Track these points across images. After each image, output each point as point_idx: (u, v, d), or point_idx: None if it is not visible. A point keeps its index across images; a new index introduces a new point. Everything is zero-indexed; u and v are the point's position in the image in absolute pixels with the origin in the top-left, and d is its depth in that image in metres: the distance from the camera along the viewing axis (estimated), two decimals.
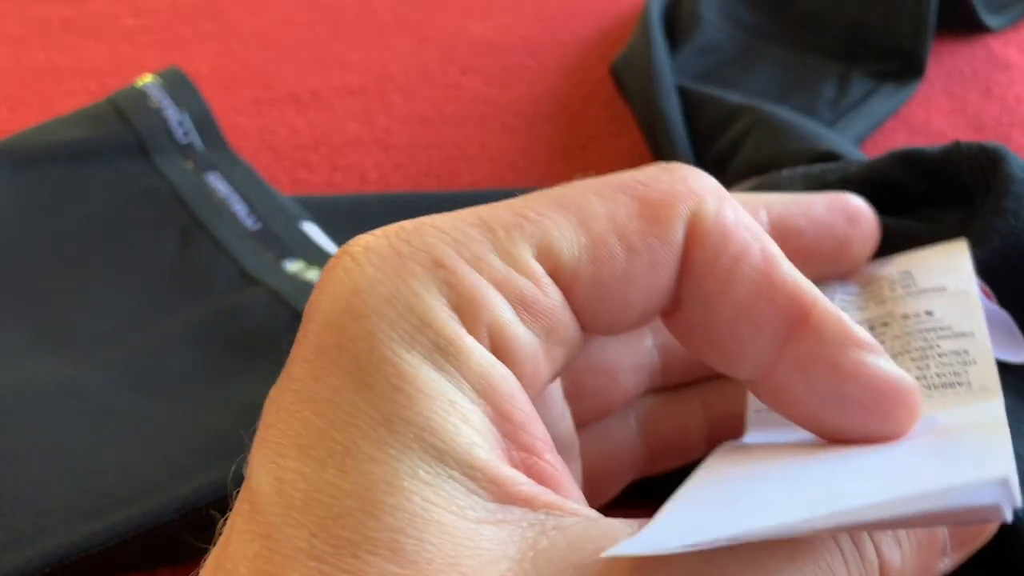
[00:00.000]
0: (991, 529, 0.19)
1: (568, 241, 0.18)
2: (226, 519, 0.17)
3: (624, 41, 0.52)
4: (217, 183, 0.40)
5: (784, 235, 0.23)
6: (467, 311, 0.17)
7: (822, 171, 0.29)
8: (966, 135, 0.44)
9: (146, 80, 0.42)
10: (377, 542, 0.15)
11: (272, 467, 0.16)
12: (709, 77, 0.47)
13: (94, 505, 0.28)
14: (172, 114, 0.41)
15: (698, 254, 0.19)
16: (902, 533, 0.17)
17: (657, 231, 0.19)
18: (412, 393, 0.16)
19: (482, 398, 0.17)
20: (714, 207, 0.19)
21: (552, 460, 0.18)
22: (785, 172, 0.30)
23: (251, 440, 0.17)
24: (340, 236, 0.38)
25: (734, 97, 0.43)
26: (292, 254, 0.37)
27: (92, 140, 0.40)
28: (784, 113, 0.40)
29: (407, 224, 0.18)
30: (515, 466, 0.17)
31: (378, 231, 0.18)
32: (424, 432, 0.16)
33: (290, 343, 0.18)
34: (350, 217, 0.40)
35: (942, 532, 0.18)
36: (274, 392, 0.18)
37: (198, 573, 0.17)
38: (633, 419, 0.26)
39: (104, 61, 0.56)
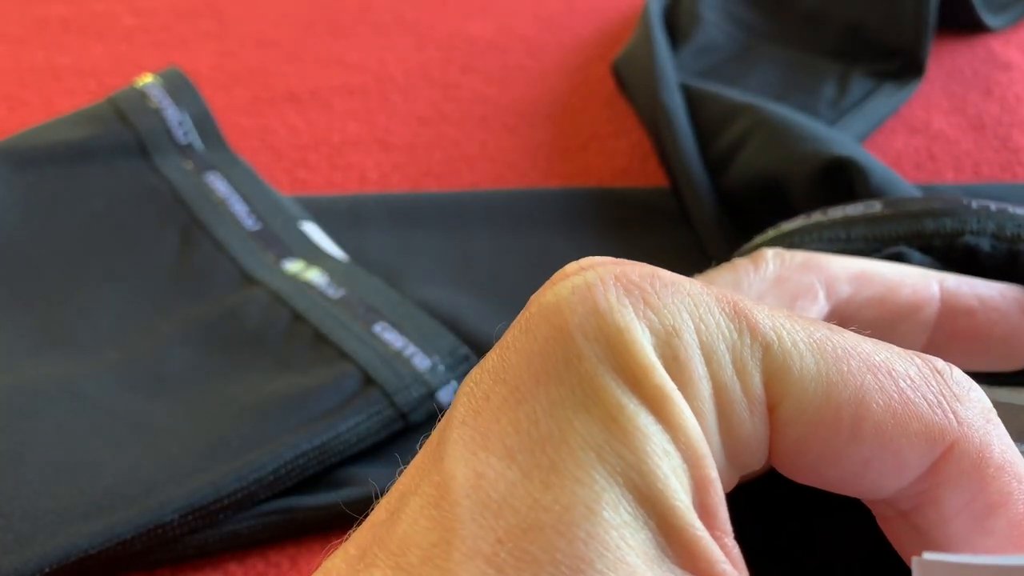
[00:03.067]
0: None
1: (807, 395, 0.18)
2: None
3: (624, 41, 0.52)
4: (217, 183, 0.40)
5: (956, 312, 0.24)
6: (682, 387, 0.17)
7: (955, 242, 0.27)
8: (966, 135, 0.44)
9: (146, 80, 0.42)
10: (561, 565, 0.14)
11: (473, 460, 0.16)
12: (709, 76, 0.47)
13: (94, 505, 0.28)
14: (172, 114, 0.41)
15: (946, 490, 0.18)
16: None
17: (914, 447, 0.18)
18: (630, 430, 0.15)
19: (687, 464, 0.16)
20: (978, 441, 0.18)
21: (735, 548, 0.17)
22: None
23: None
24: (339, 236, 0.38)
25: (735, 94, 0.43)
26: (292, 254, 0.37)
27: (92, 140, 0.40)
28: (785, 112, 0.40)
29: (665, 275, 0.18)
30: None
31: (632, 266, 0.18)
32: (632, 470, 0.15)
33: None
34: (349, 217, 0.40)
35: None
36: (484, 373, 0.17)
37: (344, 542, 0.16)
38: None
39: (104, 61, 0.56)
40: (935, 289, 0.24)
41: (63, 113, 0.42)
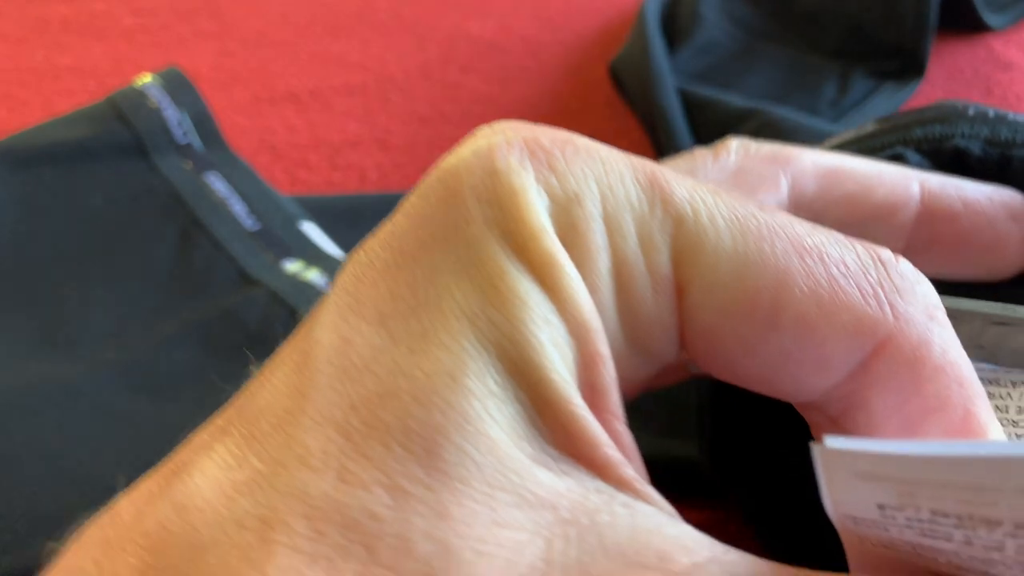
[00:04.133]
0: None
1: (720, 276, 0.16)
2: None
3: (624, 41, 0.52)
4: (216, 183, 0.39)
5: (936, 216, 0.22)
6: (577, 257, 0.15)
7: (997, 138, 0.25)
8: None
9: (145, 80, 0.42)
10: (414, 435, 0.13)
11: (342, 325, 0.15)
12: (709, 76, 0.47)
13: (93, 505, 0.28)
14: (171, 114, 0.41)
15: (876, 392, 0.16)
16: None
17: (835, 336, 0.16)
18: (508, 296, 0.14)
19: (573, 337, 0.15)
20: (916, 339, 0.16)
21: (627, 434, 0.15)
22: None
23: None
24: (339, 236, 0.38)
25: (736, 99, 0.43)
26: (291, 254, 0.37)
27: (91, 140, 0.40)
28: (791, 115, 0.40)
29: (581, 141, 0.16)
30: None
31: (547, 130, 0.17)
32: (505, 338, 0.14)
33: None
34: (349, 217, 0.40)
35: None
36: (374, 240, 0.16)
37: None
38: None
39: (103, 60, 0.56)
40: (915, 190, 0.22)
41: (63, 113, 0.42)
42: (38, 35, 0.58)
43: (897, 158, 0.25)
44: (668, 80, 0.44)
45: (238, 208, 0.39)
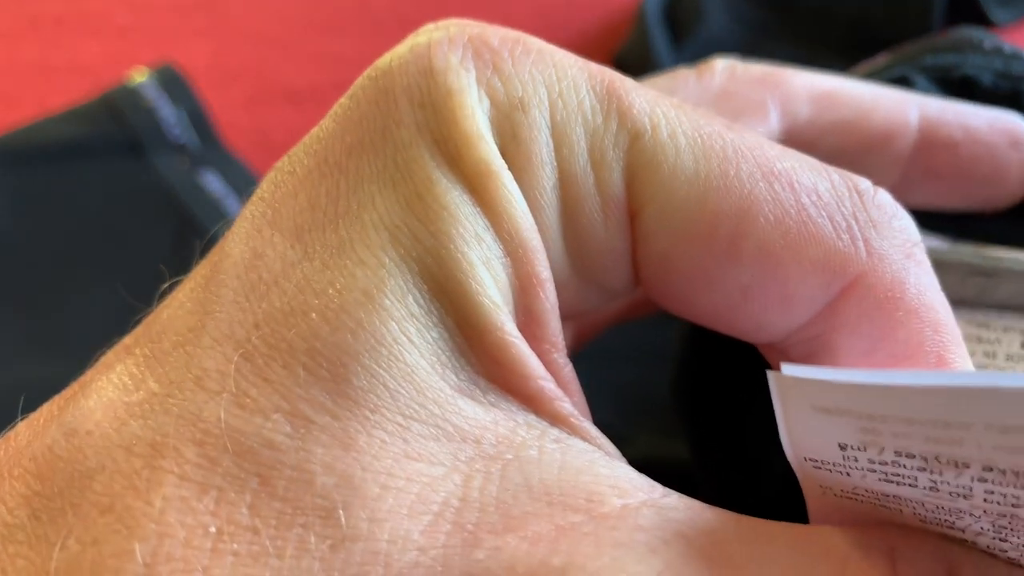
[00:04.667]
0: None
1: (677, 199, 0.14)
2: None
3: (626, 37, 0.51)
4: (212, 181, 0.39)
5: (934, 144, 0.21)
6: (518, 169, 0.14)
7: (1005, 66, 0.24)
8: None
9: (140, 77, 0.42)
10: (320, 357, 0.12)
11: (256, 237, 0.13)
12: None
13: None
14: (166, 112, 0.40)
15: (843, 335, 0.15)
16: None
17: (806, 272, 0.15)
18: (435, 208, 0.13)
19: (508, 257, 0.14)
20: (890, 278, 0.15)
21: (567, 366, 0.14)
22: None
23: None
24: None
25: None
26: None
27: (86, 138, 0.39)
28: None
29: (533, 42, 0.15)
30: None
31: (498, 29, 0.15)
32: (430, 255, 0.13)
33: None
34: None
35: None
36: (299, 146, 0.15)
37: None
38: None
39: (98, 58, 0.55)
40: (913, 115, 0.21)
41: (57, 111, 0.42)
42: (32, 32, 0.58)
43: (902, 81, 0.23)
44: None
45: (234, 206, 0.38)
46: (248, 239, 0.14)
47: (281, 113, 0.49)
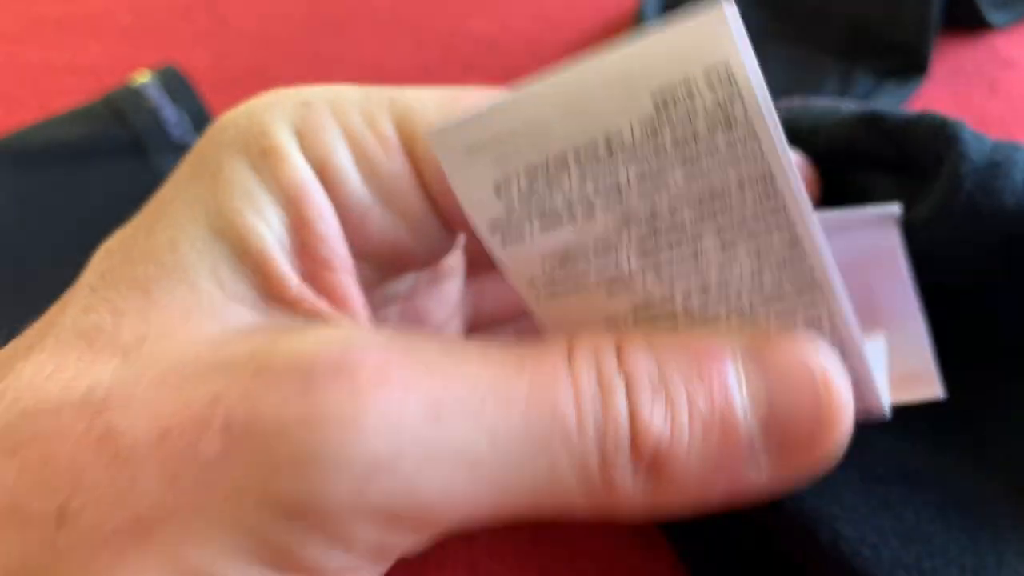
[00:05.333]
0: (832, 431, 0.16)
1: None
2: None
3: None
4: None
5: None
6: (308, 140, 0.19)
7: (799, 115, 0.27)
8: None
9: (142, 78, 0.42)
10: (136, 280, 0.17)
11: (115, 235, 0.20)
12: None
13: None
14: (169, 113, 0.41)
15: None
16: (681, 401, 0.15)
17: None
18: (221, 184, 0.18)
19: (286, 202, 0.18)
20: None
21: (347, 281, 0.18)
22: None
23: None
24: None
25: None
26: None
27: (89, 139, 0.39)
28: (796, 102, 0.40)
29: (317, 87, 0.20)
30: (306, 276, 0.18)
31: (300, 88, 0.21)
32: (212, 211, 0.18)
33: None
34: None
35: (744, 418, 0.16)
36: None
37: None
38: None
39: (101, 59, 0.55)
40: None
41: (60, 112, 0.42)
42: (34, 33, 0.58)
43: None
44: None
45: None
46: (110, 240, 0.20)
47: None
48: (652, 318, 0.17)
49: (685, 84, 0.15)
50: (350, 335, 0.16)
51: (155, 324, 0.17)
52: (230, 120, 0.19)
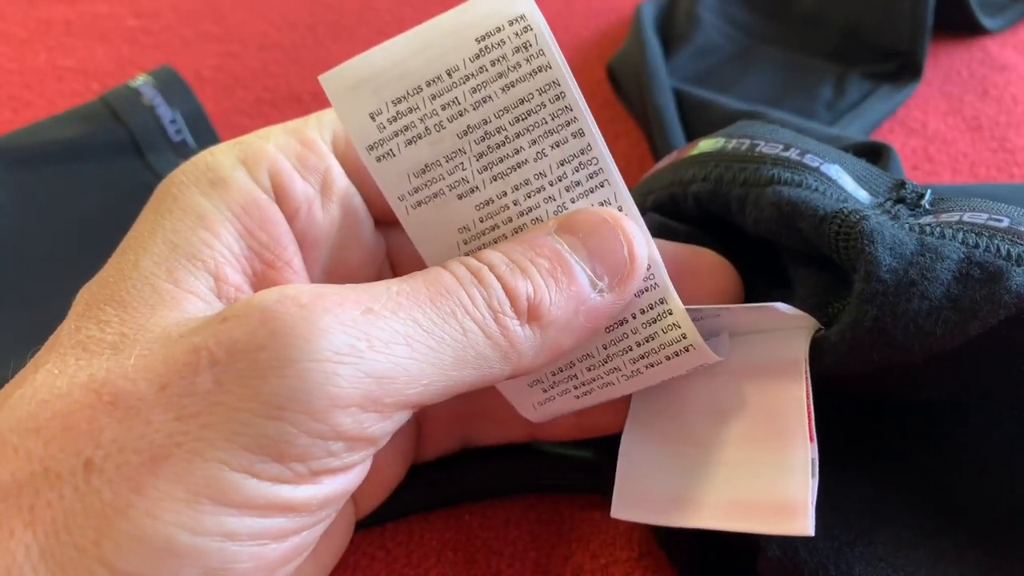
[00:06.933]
0: (634, 245, 0.22)
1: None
2: None
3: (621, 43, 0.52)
4: None
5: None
6: (251, 162, 0.22)
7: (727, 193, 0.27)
8: (963, 136, 0.44)
9: (139, 79, 0.42)
10: (111, 296, 0.21)
11: (102, 270, 0.22)
12: (707, 78, 0.47)
13: None
14: (165, 112, 0.41)
15: None
16: (529, 268, 0.21)
17: None
18: (176, 212, 0.22)
19: (236, 217, 0.22)
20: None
21: (291, 277, 0.23)
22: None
23: None
24: None
25: (732, 102, 0.43)
26: None
27: (86, 139, 0.40)
28: (790, 119, 0.40)
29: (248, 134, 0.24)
30: (255, 274, 0.22)
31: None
32: (170, 235, 0.21)
33: None
34: None
35: (574, 261, 0.21)
36: None
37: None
38: None
39: (106, 62, 0.56)
40: None
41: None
42: (41, 37, 0.59)
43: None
44: (663, 79, 0.45)
45: None
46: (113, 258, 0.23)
47: (286, 117, 0.50)
48: (492, 216, 0.22)
49: (497, 29, 0.21)
50: (288, 286, 0.20)
51: (130, 323, 0.20)
52: (182, 168, 0.23)
